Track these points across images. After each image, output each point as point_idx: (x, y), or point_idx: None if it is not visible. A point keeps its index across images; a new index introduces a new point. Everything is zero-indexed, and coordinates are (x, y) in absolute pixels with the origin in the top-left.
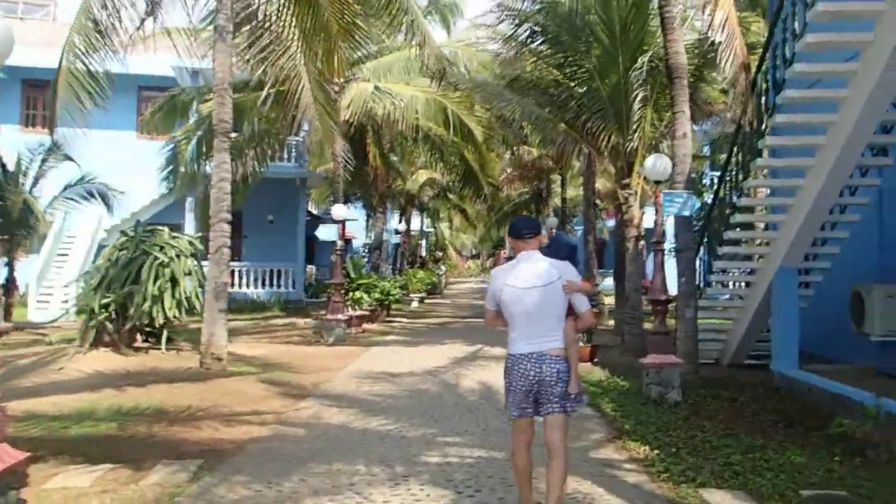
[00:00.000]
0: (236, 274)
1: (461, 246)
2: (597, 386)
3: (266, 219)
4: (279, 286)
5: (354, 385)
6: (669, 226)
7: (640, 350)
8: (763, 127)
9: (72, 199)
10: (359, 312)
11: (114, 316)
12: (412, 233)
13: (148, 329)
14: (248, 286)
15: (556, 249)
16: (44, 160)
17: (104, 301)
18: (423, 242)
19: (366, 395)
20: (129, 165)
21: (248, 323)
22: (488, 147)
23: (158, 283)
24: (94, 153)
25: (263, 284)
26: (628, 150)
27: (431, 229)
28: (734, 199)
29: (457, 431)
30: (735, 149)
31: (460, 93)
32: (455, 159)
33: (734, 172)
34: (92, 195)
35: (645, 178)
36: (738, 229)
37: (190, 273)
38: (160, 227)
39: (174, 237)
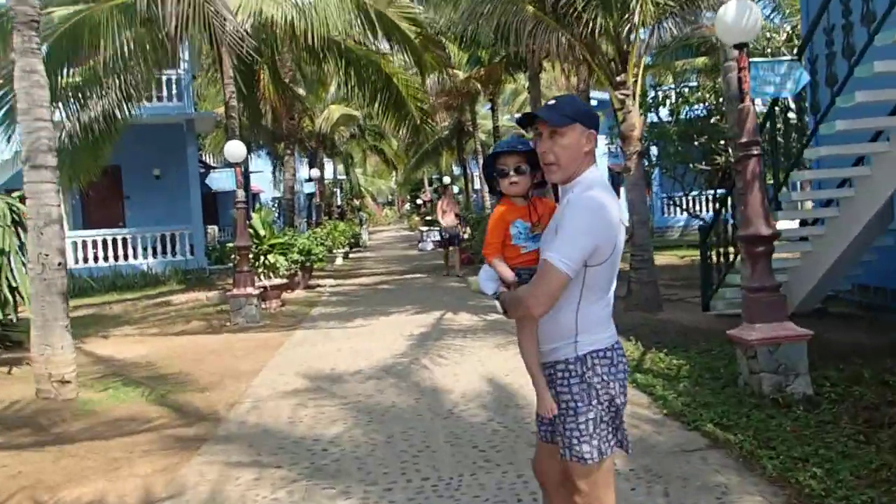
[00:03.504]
0: (119, 243)
1: (377, 192)
2: (636, 368)
3: (151, 174)
4: (174, 254)
5: (278, 408)
6: None
7: (653, 303)
8: None
9: None
10: (275, 281)
11: None
12: (325, 181)
13: None
14: (135, 257)
15: None
16: None
17: None
18: (338, 191)
19: (299, 430)
20: None
21: (134, 305)
22: (422, 60)
23: None
24: None
25: (155, 253)
26: (623, 33)
27: (344, 176)
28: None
29: None
30: None
31: None
32: (379, 83)
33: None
34: None
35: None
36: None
37: (11, 252)
38: None
39: None
